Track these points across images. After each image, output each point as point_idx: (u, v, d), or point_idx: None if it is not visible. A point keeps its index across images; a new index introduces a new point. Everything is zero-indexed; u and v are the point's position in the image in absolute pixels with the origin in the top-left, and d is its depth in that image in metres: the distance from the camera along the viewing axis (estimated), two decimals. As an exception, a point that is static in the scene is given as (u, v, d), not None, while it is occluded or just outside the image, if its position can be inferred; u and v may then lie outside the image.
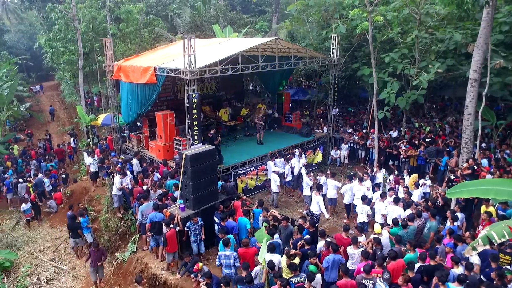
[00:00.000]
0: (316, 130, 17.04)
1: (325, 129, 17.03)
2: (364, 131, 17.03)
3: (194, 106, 11.00)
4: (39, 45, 33.14)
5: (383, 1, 15.83)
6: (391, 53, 14.51)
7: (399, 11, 14.33)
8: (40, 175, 15.80)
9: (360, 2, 13.67)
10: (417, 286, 6.99)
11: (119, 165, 12.46)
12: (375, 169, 12.79)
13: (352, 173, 12.29)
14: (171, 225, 9.04)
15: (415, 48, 14.83)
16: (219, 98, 18.52)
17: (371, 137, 15.87)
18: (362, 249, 8.05)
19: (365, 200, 10.39)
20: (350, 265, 8.14)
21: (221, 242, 8.25)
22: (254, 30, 22.81)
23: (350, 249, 8.14)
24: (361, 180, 11.32)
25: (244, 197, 10.62)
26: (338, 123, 18.40)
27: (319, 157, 16.23)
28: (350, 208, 11.85)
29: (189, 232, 9.16)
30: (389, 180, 12.20)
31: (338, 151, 16.27)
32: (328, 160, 16.66)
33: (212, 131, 12.77)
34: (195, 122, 11.17)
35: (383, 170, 12.60)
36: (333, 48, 15.66)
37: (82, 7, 20.81)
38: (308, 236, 8.44)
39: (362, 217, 10.39)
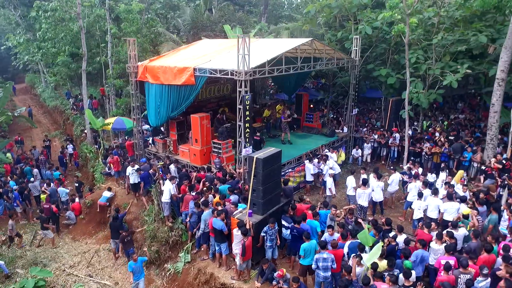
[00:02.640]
0: (335, 130, 17.21)
1: (345, 129, 17.26)
2: (381, 129, 17.43)
3: (248, 108, 10.72)
4: (11, 45, 30.88)
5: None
6: (417, 53, 14.92)
7: (422, 13, 14.83)
8: (52, 185, 14.68)
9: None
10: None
11: (160, 171, 11.86)
12: (409, 166, 13.20)
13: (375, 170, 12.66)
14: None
15: (431, 49, 15.44)
16: (234, 99, 18.16)
17: (392, 135, 16.29)
18: (445, 244, 8.26)
19: (422, 197, 10.65)
20: (432, 260, 8.33)
21: (310, 245, 8.11)
22: (258, 31, 22.63)
23: (434, 244, 8.29)
24: (415, 177, 11.56)
25: (308, 199, 10.50)
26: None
27: (342, 156, 16.38)
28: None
29: (265, 238, 8.90)
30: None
31: (359, 150, 16.56)
32: (349, 160, 16.89)
33: (257, 133, 12.50)
34: (247, 125, 10.88)
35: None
36: (355, 49, 15.90)
37: (87, 5, 19.57)
38: (394, 233, 8.52)
39: (419, 213, 10.61)
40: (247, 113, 10.77)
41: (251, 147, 11.15)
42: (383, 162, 16.74)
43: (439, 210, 10.23)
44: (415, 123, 18.23)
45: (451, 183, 11.48)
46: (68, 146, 20.25)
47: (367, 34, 16.59)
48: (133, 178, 12.27)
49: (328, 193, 12.44)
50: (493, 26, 15.08)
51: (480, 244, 8.24)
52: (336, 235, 8.64)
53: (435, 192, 10.50)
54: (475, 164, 14.10)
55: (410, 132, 17.32)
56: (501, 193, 10.97)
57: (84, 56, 18.05)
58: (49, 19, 21.55)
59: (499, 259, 7.61)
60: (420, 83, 14.95)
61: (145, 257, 10.19)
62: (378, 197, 11.58)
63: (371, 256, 7.13)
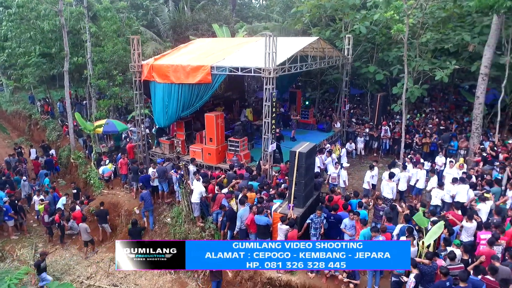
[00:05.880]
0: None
1: (338, 124, 18.01)
2: (370, 123, 18.43)
3: (274, 105, 10.88)
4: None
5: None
6: (401, 51, 16.00)
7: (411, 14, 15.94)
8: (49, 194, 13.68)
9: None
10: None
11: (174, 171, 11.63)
12: (411, 156, 14.21)
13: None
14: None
15: (413, 47, 16.70)
16: (227, 98, 18.25)
17: (383, 129, 17.31)
18: (476, 223, 9.13)
19: (442, 186, 11.46)
20: (466, 237, 9.14)
21: (367, 231, 8.53)
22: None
23: (466, 223, 9.10)
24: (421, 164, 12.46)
25: (339, 190, 10.90)
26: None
27: (339, 150, 17.10)
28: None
29: (310, 225, 9.13)
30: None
31: (353, 144, 17.37)
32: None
33: (277, 130, 12.68)
34: (273, 121, 11.04)
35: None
36: (347, 48, 16.68)
37: (69, 1, 18.22)
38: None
39: (436, 201, 11.43)
40: (274, 109, 10.92)
41: (275, 143, 11.32)
42: (375, 154, 17.73)
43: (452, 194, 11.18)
44: (397, 117, 19.55)
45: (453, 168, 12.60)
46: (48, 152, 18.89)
47: (357, 34, 17.43)
48: (155, 181, 11.87)
49: (342, 184, 12.97)
50: (463, 26, 16.72)
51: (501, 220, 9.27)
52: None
53: (454, 180, 11.35)
54: (462, 152, 15.52)
55: (391, 125, 18.56)
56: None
57: (67, 56, 16.92)
58: (12, 17, 19.90)
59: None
60: (410, 79, 16.07)
61: None
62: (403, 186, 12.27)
63: (431, 235, 7.67)
